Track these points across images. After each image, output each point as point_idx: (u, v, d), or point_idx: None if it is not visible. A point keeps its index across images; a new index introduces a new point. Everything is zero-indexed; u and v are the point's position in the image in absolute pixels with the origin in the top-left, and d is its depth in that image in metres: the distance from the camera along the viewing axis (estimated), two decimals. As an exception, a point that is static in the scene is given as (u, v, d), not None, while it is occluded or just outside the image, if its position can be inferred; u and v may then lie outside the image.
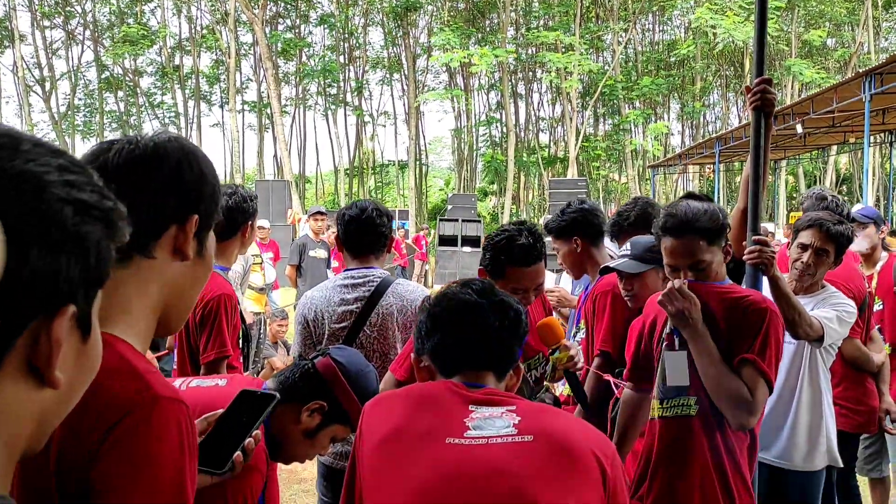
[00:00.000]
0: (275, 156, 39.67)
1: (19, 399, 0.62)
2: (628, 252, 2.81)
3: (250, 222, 3.04)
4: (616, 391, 2.74)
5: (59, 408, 0.68)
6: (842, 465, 3.07)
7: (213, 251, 1.19)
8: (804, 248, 2.99)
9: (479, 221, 19.28)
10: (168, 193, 1.09)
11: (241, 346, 3.19)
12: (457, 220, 18.73)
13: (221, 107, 43.21)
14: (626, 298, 2.89)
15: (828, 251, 2.96)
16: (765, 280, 2.72)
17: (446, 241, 18.54)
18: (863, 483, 4.07)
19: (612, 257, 3.55)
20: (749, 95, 2.74)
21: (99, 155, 1.10)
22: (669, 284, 2.29)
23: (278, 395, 1.51)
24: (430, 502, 1.34)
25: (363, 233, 2.84)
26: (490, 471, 1.35)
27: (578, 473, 1.36)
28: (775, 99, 2.74)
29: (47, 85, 40.19)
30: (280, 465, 5.79)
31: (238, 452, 1.41)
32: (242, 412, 1.45)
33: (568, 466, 1.36)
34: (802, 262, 2.97)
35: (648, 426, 2.46)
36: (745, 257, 2.70)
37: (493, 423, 1.43)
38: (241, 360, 3.18)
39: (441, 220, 19.46)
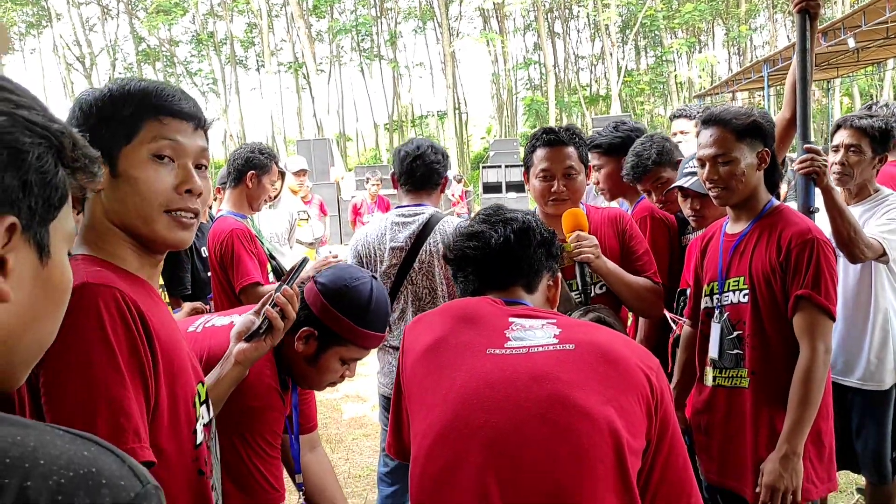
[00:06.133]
0: (314, 115, 39.76)
1: None
2: (696, 169, 2.57)
3: (254, 173, 3.47)
4: (675, 327, 2.69)
5: (23, 330, 0.68)
6: None
7: (139, 169, 1.22)
8: (836, 149, 2.92)
9: (523, 167, 18.99)
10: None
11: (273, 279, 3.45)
12: (500, 167, 18.55)
13: (258, 70, 43.36)
14: (691, 220, 2.81)
15: (859, 146, 2.87)
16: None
17: (490, 188, 18.40)
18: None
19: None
20: None
21: None
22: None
23: (307, 258, 1.65)
24: (470, 407, 1.34)
25: (417, 168, 2.87)
26: (531, 377, 1.33)
27: (622, 382, 1.34)
28: None
29: (87, 61, 40.80)
30: (346, 412, 5.92)
31: (268, 308, 1.54)
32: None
33: (611, 374, 1.34)
34: (837, 163, 2.87)
35: (700, 389, 2.38)
36: (795, 167, 2.60)
37: (533, 333, 1.42)
38: None
39: (484, 167, 19.30)
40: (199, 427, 1.27)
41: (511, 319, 1.46)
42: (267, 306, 1.55)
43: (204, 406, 1.31)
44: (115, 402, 1.08)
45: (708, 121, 2.27)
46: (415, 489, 1.38)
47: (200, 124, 1.29)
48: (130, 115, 1.21)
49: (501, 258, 1.58)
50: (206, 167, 1.31)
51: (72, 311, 1.06)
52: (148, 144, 1.22)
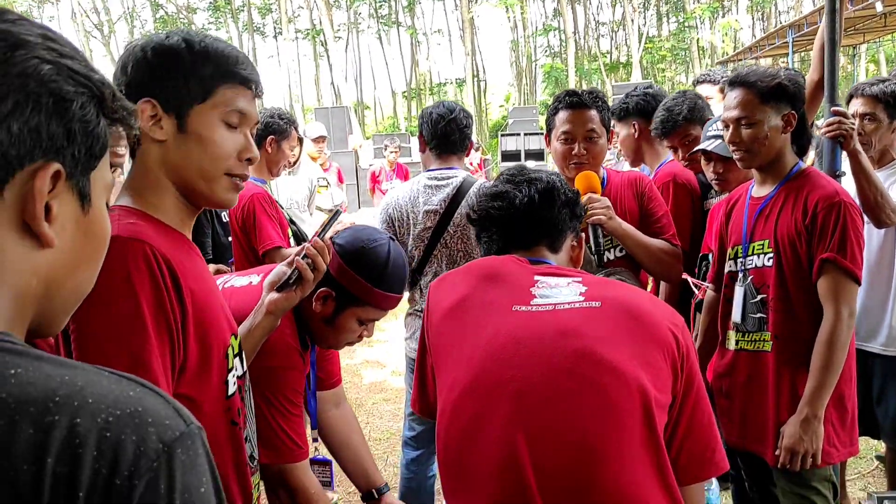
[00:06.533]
0: (332, 83, 39.64)
1: (19, 253, 0.65)
2: (720, 132, 2.55)
3: (273, 138, 3.47)
4: (697, 292, 2.68)
5: (66, 276, 0.70)
6: None
7: (211, 131, 1.23)
8: None
9: (542, 134, 18.79)
10: (120, 83, 1.22)
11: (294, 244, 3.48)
12: (518, 135, 18.39)
13: (275, 38, 43.21)
14: (714, 184, 2.78)
15: (874, 113, 2.84)
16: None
17: (509, 156, 18.25)
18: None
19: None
20: None
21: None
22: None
23: (340, 210, 1.68)
24: (497, 363, 1.35)
25: (451, 132, 2.85)
26: (557, 333, 1.34)
27: (648, 338, 1.34)
28: None
29: (105, 29, 40.82)
30: (366, 377, 6.02)
31: (298, 259, 1.55)
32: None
33: (637, 330, 1.35)
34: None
35: (722, 353, 2.38)
36: (822, 130, 2.56)
37: (559, 291, 1.42)
38: None
39: (503, 135, 19.14)
40: (232, 378, 1.29)
41: (537, 277, 1.46)
42: (297, 257, 1.56)
43: (237, 358, 1.33)
44: (136, 355, 1.10)
45: (734, 82, 2.24)
46: (441, 443, 1.40)
47: (257, 93, 1.32)
48: (209, 76, 1.22)
49: (526, 218, 1.57)
50: (254, 133, 1.34)
51: (107, 259, 1.09)
52: (220, 109, 1.24)
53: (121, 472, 0.54)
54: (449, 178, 2.84)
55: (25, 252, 0.65)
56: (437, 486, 3.10)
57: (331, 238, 1.83)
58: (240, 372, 1.34)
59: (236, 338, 1.35)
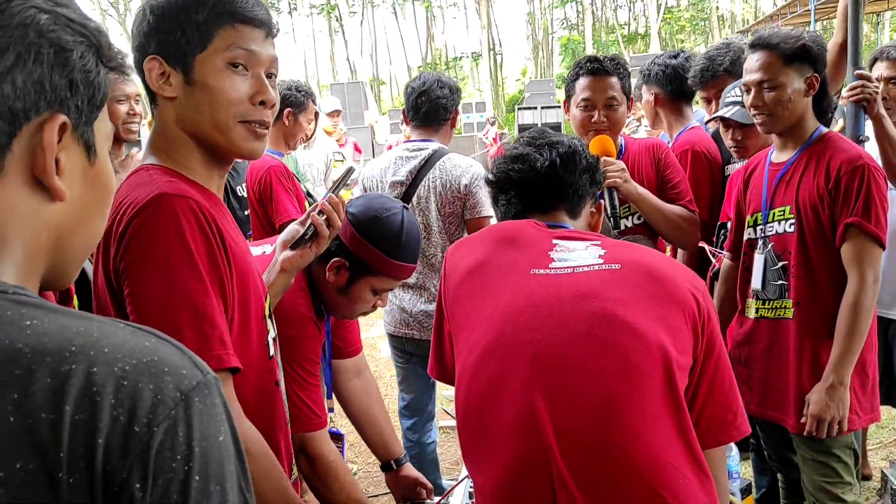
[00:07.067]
0: (347, 59, 39.54)
1: (29, 207, 0.65)
2: (739, 98, 2.50)
3: (290, 110, 3.44)
4: (714, 260, 2.65)
5: (76, 228, 0.69)
6: None
7: (215, 78, 1.20)
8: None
9: (560, 107, 18.71)
10: (133, 49, 1.21)
11: None
12: (536, 108, 18.28)
13: (290, 13, 43.03)
14: (733, 151, 2.75)
15: None
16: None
17: (526, 130, 18.14)
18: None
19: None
20: None
21: None
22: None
23: (353, 167, 1.65)
24: (515, 325, 1.34)
25: (422, 104, 2.87)
26: (576, 295, 1.33)
27: (669, 300, 1.33)
28: None
29: (121, 7, 40.83)
30: (383, 350, 5.99)
31: (314, 215, 1.53)
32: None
33: (658, 293, 1.33)
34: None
35: (741, 322, 2.35)
36: (845, 94, 2.51)
37: (578, 254, 1.40)
38: None
39: (519, 108, 19.04)
40: (271, 340, 1.30)
41: (555, 241, 1.44)
42: (313, 213, 1.54)
43: (270, 320, 1.34)
44: (200, 309, 1.10)
45: (755, 44, 2.19)
46: (460, 404, 1.40)
47: (271, 32, 1.26)
48: (205, 20, 1.19)
49: (547, 182, 1.55)
50: (276, 76, 1.29)
51: (151, 222, 1.09)
52: (223, 52, 1.20)
53: (139, 420, 0.55)
54: (420, 149, 2.87)
55: (36, 206, 0.65)
56: (439, 452, 3.16)
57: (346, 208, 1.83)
58: (273, 334, 1.35)
59: (267, 299, 1.35)
